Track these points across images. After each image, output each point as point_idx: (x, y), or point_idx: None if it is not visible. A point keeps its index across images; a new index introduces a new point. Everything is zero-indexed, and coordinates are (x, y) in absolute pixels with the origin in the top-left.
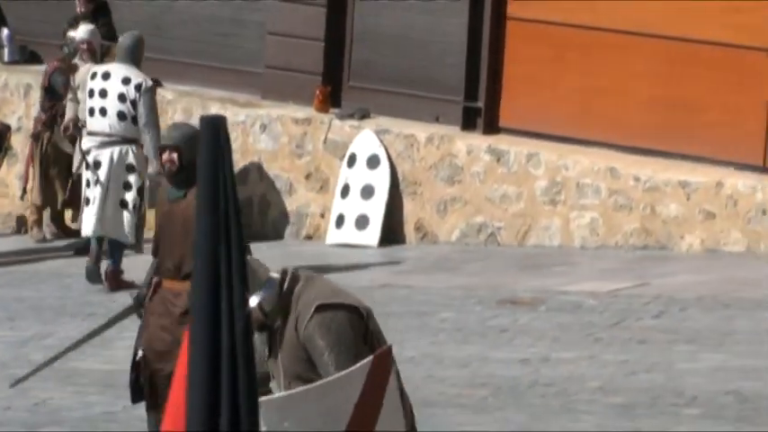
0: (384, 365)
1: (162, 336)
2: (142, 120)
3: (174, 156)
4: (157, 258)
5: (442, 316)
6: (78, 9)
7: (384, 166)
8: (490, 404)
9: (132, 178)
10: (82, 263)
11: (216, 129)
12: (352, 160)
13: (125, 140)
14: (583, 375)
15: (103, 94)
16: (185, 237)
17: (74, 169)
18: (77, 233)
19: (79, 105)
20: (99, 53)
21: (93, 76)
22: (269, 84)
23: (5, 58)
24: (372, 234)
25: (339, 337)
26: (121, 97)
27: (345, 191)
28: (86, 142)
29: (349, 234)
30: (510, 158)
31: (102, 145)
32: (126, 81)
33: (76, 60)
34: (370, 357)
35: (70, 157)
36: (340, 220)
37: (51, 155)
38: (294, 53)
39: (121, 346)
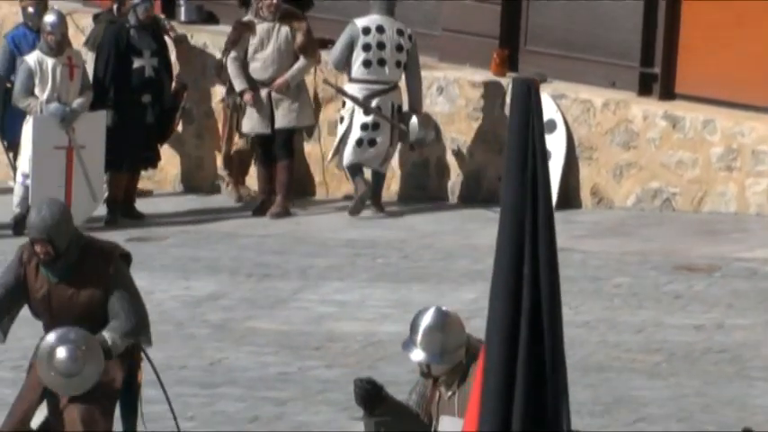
0: None
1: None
2: (415, 66)
3: (48, 248)
4: None
5: (616, 281)
6: None
7: (561, 130)
8: (664, 369)
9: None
10: (258, 224)
11: (527, 90)
12: None
13: (396, 86)
14: (757, 342)
15: (381, 46)
16: (87, 319)
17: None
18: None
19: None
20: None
21: (367, 31)
22: (446, 46)
23: (182, 17)
24: None
25: None
26: (399, 47)
27: None
28: (360, 90)
29: None
30: (686, 125)
31: (380, 92)
32: (400, 33)
33: (251, 17)
34: None
35: None
36: None
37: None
38: (471, 16)
39: (295, 307)
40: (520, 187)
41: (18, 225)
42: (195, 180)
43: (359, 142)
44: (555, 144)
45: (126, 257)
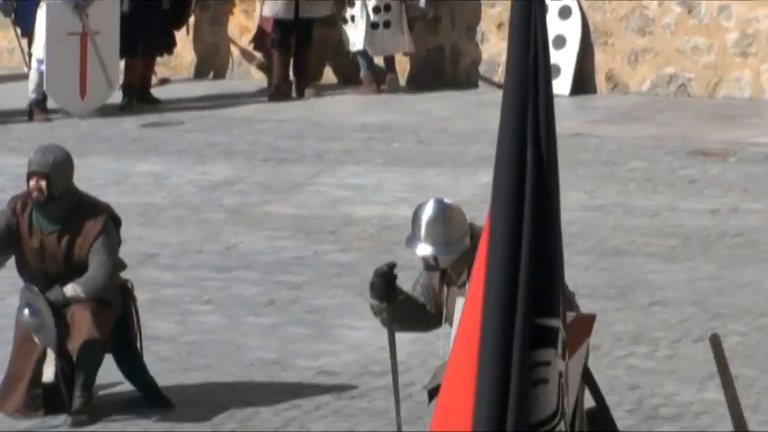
0: (583, 330)
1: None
2: None
3: (43, 183)
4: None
5: (631, 165)
6: None
7: (576, 16)
8: (679, 253)
9: None
10: (274, 108)
11: None
12: None
13: None
14: None
15: None
16: (75, 272)
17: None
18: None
19: None
20: None
21: None
22: None
23: None
24: (564, 83)
25: None
26: None
27: None
28: None
29: None
30: (701, 11)
31: None
32: None
33: None
34: (573, 315)
35: None
36: None
37: None
38: None
39: (311, 191)
40: (521, 71)
41: (33, 111)
42: (211, 66)
43: (374, 25)
44: (570, 30)
45: (116, 220)
